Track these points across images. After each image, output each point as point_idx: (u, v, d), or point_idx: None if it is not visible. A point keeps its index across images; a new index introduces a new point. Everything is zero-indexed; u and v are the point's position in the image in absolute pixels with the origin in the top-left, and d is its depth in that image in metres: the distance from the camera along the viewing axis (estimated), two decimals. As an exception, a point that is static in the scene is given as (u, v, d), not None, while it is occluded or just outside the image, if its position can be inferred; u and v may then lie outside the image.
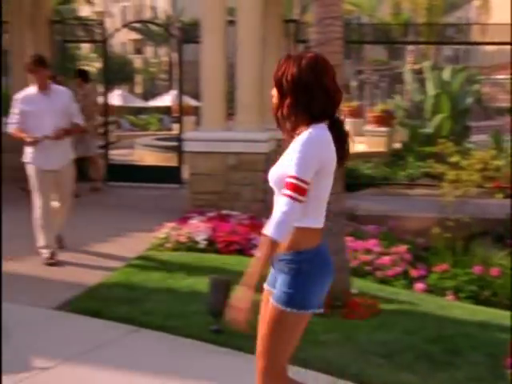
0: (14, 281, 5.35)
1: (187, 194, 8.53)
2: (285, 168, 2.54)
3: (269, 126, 7.30)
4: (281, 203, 2.46)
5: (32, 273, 5.83)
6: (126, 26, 14.36)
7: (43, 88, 6.06)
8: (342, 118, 2.64)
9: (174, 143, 11.52)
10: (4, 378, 3.68)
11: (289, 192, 2.45)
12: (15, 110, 6.07)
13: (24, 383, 3.71)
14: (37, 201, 6.06)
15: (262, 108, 8.24)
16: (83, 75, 10.59)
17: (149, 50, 46.84)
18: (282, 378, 2.69)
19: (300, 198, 2.46)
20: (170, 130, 21.88)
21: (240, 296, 2.48)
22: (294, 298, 2.56)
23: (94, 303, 4.99)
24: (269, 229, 2.45)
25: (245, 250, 6.61)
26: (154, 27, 35.69)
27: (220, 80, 8.46)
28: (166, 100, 27.53)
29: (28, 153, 6.08)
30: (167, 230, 7.00)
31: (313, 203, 2.56)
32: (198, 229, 6.96)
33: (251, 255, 5.63)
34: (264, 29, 8.57)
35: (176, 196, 9.61)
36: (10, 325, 4.28)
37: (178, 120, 12.48)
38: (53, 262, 6.04)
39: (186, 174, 9.74)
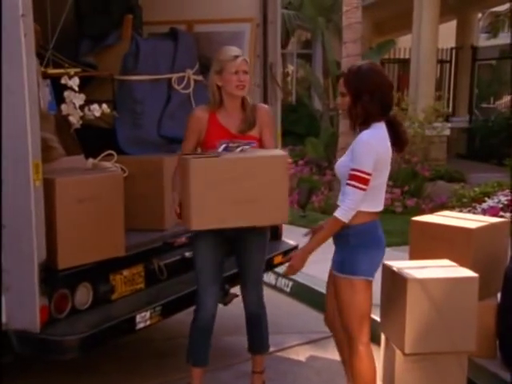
0: None
1: None
2: (350, 161, 3.00)
3: None
4: (348, 192, 2.96)
5: None
6: None
7: None
8: (395, 114, 3.18)
9: None
10: None
11: (354, 182, 2.94)
12: None
13: None
14: None
15: None
16: None
17: None
18: (365, 348, 3.06)
19: (363, 186, 2.95)
20: None
21: (298, 254, 3.14)
22: (344, 264, 3.04)
23: None
24: (338, 212, 2.97)
25: None
26: None
27: None
28: None
29: None
30: None
31: (371, 191, 3.00)
32: None
33: None
34: None
35: None
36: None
37: None
38: None
39: None
